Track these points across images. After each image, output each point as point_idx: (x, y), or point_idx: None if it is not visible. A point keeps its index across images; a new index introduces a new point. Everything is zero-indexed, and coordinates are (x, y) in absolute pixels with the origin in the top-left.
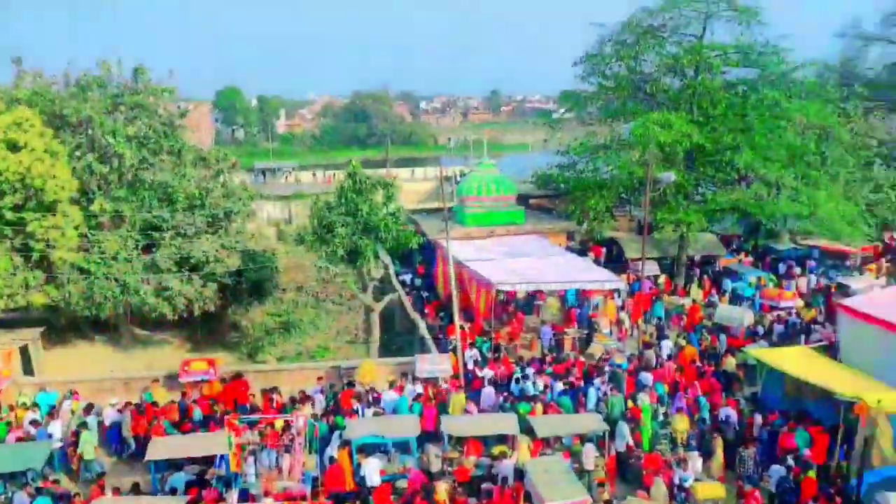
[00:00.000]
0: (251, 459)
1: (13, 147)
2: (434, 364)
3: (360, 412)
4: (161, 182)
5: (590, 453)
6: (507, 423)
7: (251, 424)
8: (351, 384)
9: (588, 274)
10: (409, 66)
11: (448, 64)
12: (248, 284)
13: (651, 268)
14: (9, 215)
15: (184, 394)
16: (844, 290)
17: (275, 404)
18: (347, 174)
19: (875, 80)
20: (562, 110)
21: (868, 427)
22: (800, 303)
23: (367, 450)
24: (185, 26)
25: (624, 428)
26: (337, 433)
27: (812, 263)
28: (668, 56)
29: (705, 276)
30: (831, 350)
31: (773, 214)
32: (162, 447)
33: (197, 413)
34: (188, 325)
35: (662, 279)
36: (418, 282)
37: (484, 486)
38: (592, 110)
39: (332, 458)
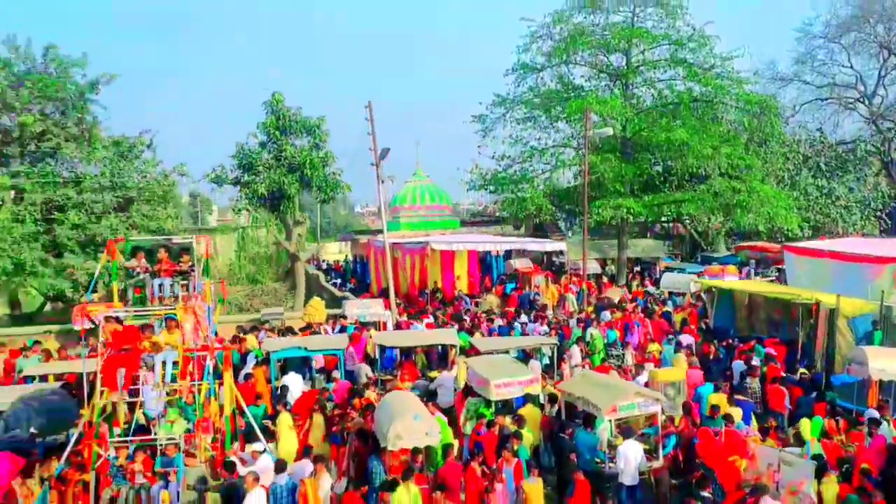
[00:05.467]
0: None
1: None
2: (365, 308)
3: None
4: (67, 156)
5: (536, 368)
6: (444, 336)
7: None
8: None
9: (531, 243)
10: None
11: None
12: None
13: (593, 266)
14: None
15: None
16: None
17: None
18: (269, 107)
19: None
20: (494, 114)
21: (827, 330)
22: None
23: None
24: None
25: (575, 351)
26: (252, 354)
27: (748, 269)
28: (602, 41)
29: (646, 277)
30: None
31: (711, 204)
32: None
33: None
34: None
35: (604, 280)
36: (350, 286)
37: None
38: (521, 116)
39: (247, 376)
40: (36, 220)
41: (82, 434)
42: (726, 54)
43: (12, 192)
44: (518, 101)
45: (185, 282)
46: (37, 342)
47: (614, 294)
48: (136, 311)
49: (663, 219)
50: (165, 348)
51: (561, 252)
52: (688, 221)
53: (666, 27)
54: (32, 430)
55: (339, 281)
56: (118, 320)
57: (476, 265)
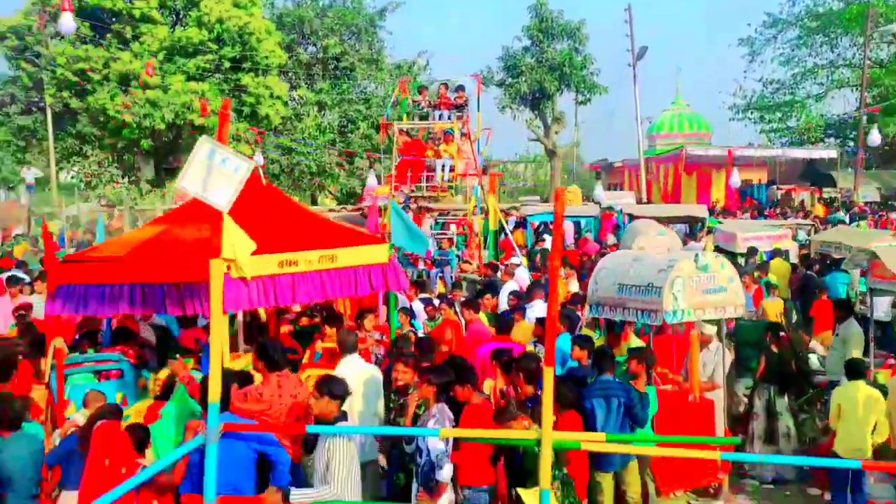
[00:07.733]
0: None
1: (236, 5)
2: (616, 198)
3: None
4: (358, 77)
5: None
6: (695, 209)
7: None
8: None
9: (795, 151)
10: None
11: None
12: None
13: (869, 192)
14: (226, 65)
15: None
16: None
17: None
18: (534, 10)
19: None
20: (763, 36)
21: None
22: None
23: None
24: None
25: None
26: (512, 220)
27: None
28: None
29: None
30: None
31: None
32: None
33: None
34: None
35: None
36: None
37: None
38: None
39: (505, 234)
40: (334, 130)
41: None
42: None
43: (316, 107)
44: (792, 21)
45: (459, 114)
46: None
47: None
48: (422, 124)
49: None
50: (444, 156)
51: (833, 182)
52: None
53: None
54: None
55: None
56: (408, 134)
57: (734, 191)
